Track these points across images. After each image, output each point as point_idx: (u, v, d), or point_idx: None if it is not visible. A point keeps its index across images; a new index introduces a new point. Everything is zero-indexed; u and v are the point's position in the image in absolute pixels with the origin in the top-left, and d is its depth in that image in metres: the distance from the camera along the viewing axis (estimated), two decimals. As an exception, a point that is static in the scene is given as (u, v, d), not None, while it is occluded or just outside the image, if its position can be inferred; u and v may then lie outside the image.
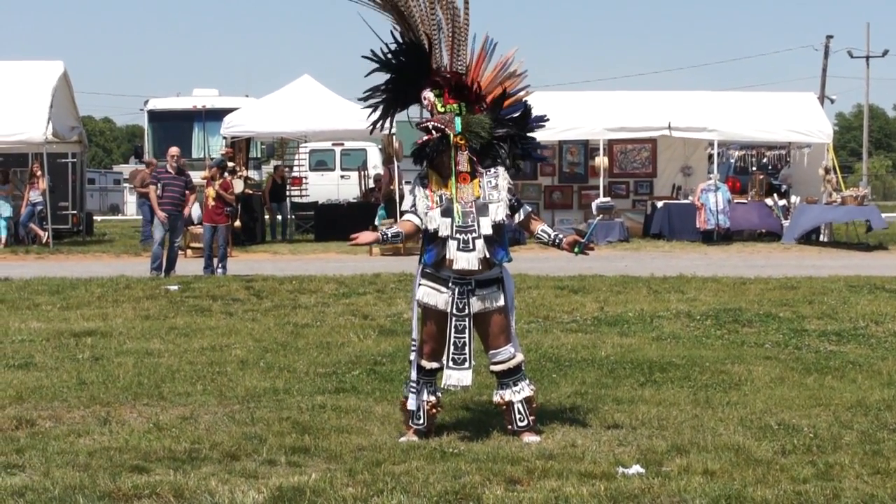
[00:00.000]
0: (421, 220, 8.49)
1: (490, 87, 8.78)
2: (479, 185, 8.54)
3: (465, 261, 8.36)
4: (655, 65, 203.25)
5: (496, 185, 8.60)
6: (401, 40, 8.65)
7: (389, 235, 8.58)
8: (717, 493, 6.81)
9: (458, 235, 8.39)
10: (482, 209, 8.48)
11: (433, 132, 8.43)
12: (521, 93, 8.91)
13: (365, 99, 8.88)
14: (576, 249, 8.68)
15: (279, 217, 34.79)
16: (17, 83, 31.19)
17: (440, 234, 8.40)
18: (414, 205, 8.54)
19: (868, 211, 30.66)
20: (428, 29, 8.64)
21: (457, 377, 8.50)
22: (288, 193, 35.66)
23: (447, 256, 8.37)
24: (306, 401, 9.73)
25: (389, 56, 8.65)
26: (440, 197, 8.46)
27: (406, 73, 8.67)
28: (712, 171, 32.84)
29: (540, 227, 8.83)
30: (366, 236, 8.59)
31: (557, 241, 8.73)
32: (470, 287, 8.47)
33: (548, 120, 9.01)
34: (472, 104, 8.69)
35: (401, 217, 8.70)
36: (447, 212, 8.42)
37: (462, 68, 8.71)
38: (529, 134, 8.86)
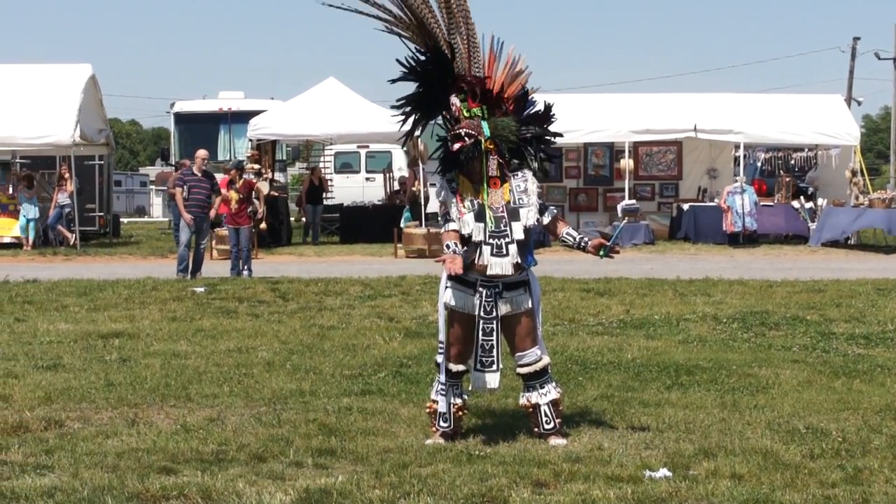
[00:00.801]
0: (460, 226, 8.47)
1: (506, 88, 8.77)
2: (509, 190, 8.54)
3: (500, 266, 8.35)
4: (681, 67, 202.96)
5: (525, 189, 8.59)
6: (423, 49, 8.64)
7: (462, 251, 8.49)
8: (745, 497, 6.79)
9: (491, 240, 8.38)
10: (513, 213, 8.47)
11: (466, 139, 8.39)
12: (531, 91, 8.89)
13: (397, 107, 8.86)
14: (601, 252, 8.67)
15: (314, 219, 34.29)
16: (46, 86, 31.34)
17: (474, 238, 8.38)
18: (449, 212, 8.51)
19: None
20: (448, 35, 8.63)
21: (484, 380, 8.50)
22: (325, 196, 35.43)
23: (480, 262, 8.33)
24: (332, 403, 9.73)
25: (416, 65, 8.64)
26: (471, 202, 8.45)
27: (433, 80, 8.65)
28: (738, 173, 32.75)
29: (565, 230, 8.81)
30: (458, 263, 8.38)
31: (583, 244, 8.71)
32: (497, 290, 8.46)
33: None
34: (493, 107, 8.68)
35: (444, 227, 8.56)
36: (480, 217, 8.41)
37: (480, 72, 8.71)
38: (553, 130, 8.83)
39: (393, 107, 8.95)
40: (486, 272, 8.33)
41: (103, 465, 7.60)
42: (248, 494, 6.88)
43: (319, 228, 34.10)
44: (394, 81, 8.78)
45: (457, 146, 8.40)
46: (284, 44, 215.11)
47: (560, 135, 8.94)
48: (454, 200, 8.49)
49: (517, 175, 8.63)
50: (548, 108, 8.81)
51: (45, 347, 12.92)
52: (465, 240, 8.40)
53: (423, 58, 8.64)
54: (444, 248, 8.40)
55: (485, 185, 8.47)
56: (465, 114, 8.56)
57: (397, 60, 8.67)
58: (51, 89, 31.16)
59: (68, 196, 31.14)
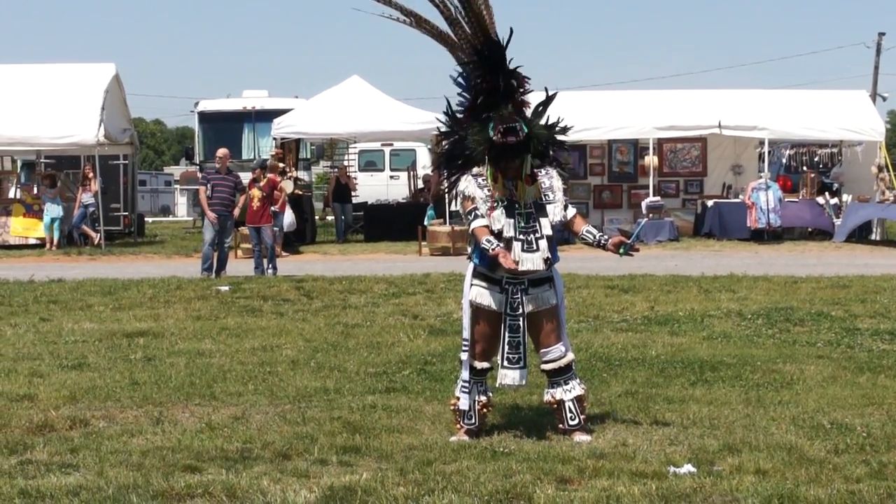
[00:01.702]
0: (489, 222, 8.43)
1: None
2: (539, 187, 8.54)
3: (531, 262, 8.34)
4: (706, 63, 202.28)
5: (551, 186, 8.59)
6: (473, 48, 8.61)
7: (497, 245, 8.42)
8: (770, 493, 6.77)
9: (521, 237, 8.37)
10: (540, 210, 8.47)
11: (519, 133, 8.37)
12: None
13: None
14: (621, 250, 8.64)
15: (343, 218, 34.11)
16: (70, 86, 31.46)
17: (504, 234, 8.36)
18: (477, 208, 8.47)
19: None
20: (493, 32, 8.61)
21: (512, 376, 8.50)
22: (354, 194, 35.29)
23: (512, 259, 8.30)
24: (357, 400, 9.75)
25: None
26: (500, 198, 8.42)
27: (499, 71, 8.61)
28: (763, 169, 32.67)
29: (585, 228, 8.78)
30: (510, 257, 8.31)
31: (603, 241, 8.68)
32: (523, 286, 8.46)
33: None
34: (516, 106, 8.65)
35: (471, 221, 8.47)
36: (510, 213, 8.40)
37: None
38: (561, 138, 8.80)
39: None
40: (518, 268, 8.31)
41: (128, 464, 7.62)
42: (272, 492, 6.89)
43: (346, 227, 33.97)
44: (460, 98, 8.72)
45: (511, 139, 8.36)
46: (308, 42, 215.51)
47: (565, 147, 8.90)
48: (483, 196, 8.47)
49: (542, 172, 8.62)
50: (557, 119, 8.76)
51: (70, 347, 12.98)
52: (495, 236, 8.37)
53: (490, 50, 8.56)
54: (484, 242, 8.30)
55: (522, 182, 8.46)
56: (505, 110, 8.51)
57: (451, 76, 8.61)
58: (75, 89, 31.27)
59: (92, 196, 31.25)
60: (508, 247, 8.32)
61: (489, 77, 8.50)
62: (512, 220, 8.38)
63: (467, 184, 8.54)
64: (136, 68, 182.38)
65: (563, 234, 8.97)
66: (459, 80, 8.72)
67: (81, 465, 7.64)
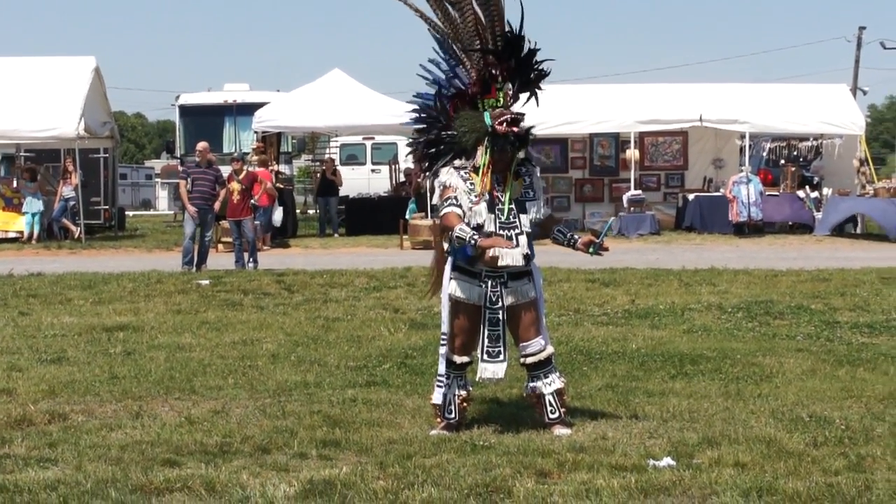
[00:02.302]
0: (464, 213, 8.41)
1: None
2: (522, 183, 8.55)
3: (511, 257, 8.33)
4: (687, 57, 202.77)
5: (531, 184, 8.60)
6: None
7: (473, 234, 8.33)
8: (749, 486, 6.79)
9: (501, 232, 8.37)
10: (520, 206, 8.47)
11: (522, 124, 8.42)
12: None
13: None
14: (591, 250, 8.66)
15: (327, 212, 33.73)
16: (50, 79, 31.36)
17: (486, 228, 8.35)
18: (456, 198, 8.45)
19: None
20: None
21: (492, 370, 8.50)
22: (340, 187, 34.70)
23: (491, 253, 8.31)
24: (337, 394, 9.74)
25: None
26: (482, 192, 8.41)
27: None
28: (744, 163, 32.73)
29: (556, 227, 8.80)
30: (500, 241, 8.31)
31: (573, 241, 8.69)
32: (502, 280, 8.46)
33: None
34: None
35: (444, 208, 8.42)
36: (491, 207, 8.39)
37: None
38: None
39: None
40: (498, 263, 8.31)
41: (107, 458, 7.60)
42: (252, 486, 6.88)
43: (334, 221, 33.66)
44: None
45: (516, 130, 8.38)
46: (290, 36, 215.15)
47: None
48: (465, 188, 8.43)
49: (522, 169, 8.63)
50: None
51: (50, 341, 12.93)
52: (476, 230, 8.35)
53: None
54: (458, 231, 8.20)
55: (510, 176, 8.47)
56: (500, 102, 8.52)
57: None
58: (55, 82, 31.18)
59: (73, 189, 31.16)
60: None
61: (505, 62, 8.50)
62: (493, 216, 8.38)
63: (450, 175, 8.52)
64: (116, 61, 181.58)
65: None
66: (441, 69, 8.71)
67: (60, 459, 7.62)
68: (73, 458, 7.60)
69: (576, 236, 8.74)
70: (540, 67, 8.62)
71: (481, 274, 8.44)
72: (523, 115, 8.48)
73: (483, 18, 8.52)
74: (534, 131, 8.75)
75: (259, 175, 25.39)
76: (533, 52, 8.55)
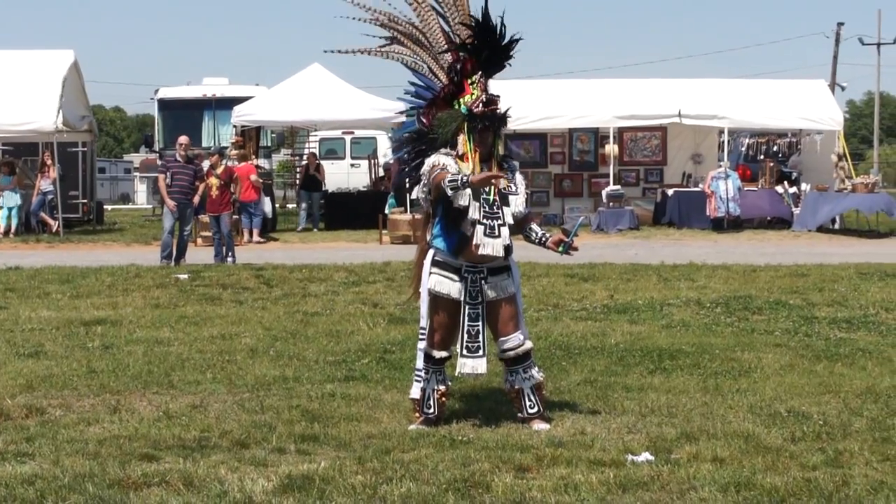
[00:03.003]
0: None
1: None
2: (506, 177, 8.58)
3: (491, 247, 8.34)
4: (666, 52, 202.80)
5: (514, 179, 8.62)
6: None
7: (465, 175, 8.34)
8: (727, 481, 6.81)
9: (485, 220, 8.37)
10: (504, 199, 8.49)
11: (499, 103, 8.51)
12: None
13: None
14: (560, 248, 8.71)
15: (310, 206, 33.21)
16: (28, 72, 31.19)
17: (470, 215, 8.34)
18: (446, 167, 8.43)
19: (884, 199, 30.62)
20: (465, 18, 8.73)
21: (472, 365, 8.51)
22: (324, 184, 34.18)
23: (473, 241, 8.32)
24: (316, 389, 9.73)
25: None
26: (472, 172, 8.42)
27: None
28: (722, 158, 32.80)
29: (528, 225, 8.81)
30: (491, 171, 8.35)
31: (544, 239, 8.74)
32: (482, 275, 8.47)
33: None
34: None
35: (432, 174, 8.44)
36: (477, 195, 8.39)
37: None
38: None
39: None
40: (478, 251, 8.32)
41: (84, 453, 7.58)
42: (230, 481, 6.87)
43: (315, 216, 33.31)
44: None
45: (492, 108, 8.44)
46: (269, 30, 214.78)
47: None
48: (454, 169, 8.41)
49: (506, 165, 8.66)
50: None
51: (27, 335, 12.88)
52: (460, 214, 8.37)
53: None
54: (449, 179, 8.24)
55: (495, 164, 8.49)
56: (475, 94, 8.56)
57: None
58: (33, 76, 31.01)
59: (51, 183, 31.00)
60: (472, 228, 8.33)
61: (475, 54, 8.56)
62: (478, 204, 8.38)
63: (438, 156, 8.52)
64: (95, 55, 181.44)
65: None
66: (418, 86, 8.91)
67: (37, 453, 7.59)
68: (50, 453, 7.58)
69: (547, 234, 8.77)
70: (511, 50, 8.69)
71: (461, 269, 8.45)
72: (498, 96, 8.55)
73: (446, 20, 8.70)
74: (514, 127, 8.81)
75: (236, 171, 25.33)
76: (508, 41, 8.60)
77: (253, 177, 28.26)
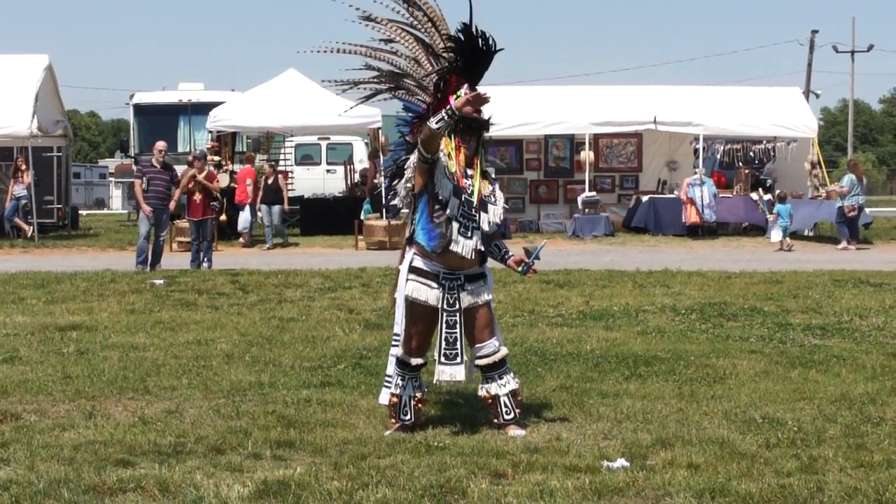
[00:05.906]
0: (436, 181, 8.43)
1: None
2: (488, 186, 8.61)
3: (463, 246, 8.37)
4: (641, 60, 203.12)
5: (494, 191, 8.69)
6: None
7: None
8: (702, 487, 6.83)
9: (461, 219, 8.39)
10: (483, 206, 8.52)
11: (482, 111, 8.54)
12: None
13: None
14: (520, 269, 8.80)
15: (271, 221, 30.33)
16: (2, 77, 31.03)
17: (449, 209, 8.36)
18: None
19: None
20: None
21: (450, 372, 8.52)
22: (291, 188, 32.75)
23: (448, 237, 8.34)
24: (291, 395, 9.73)
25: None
26: (451, 176, 8.42)
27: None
28: (698, 165, 32.90)
29: (495, 242, 8.84)
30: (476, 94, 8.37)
31: (506, 257, 8.81)
32: (459, 282, 8.49)
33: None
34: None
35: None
36: (457, 193, 8.41)
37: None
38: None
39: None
40: (450, 247, 8.33)
41: (60, 458, 7.57)
42: (205, 486, 6.86)
43: (281, 230, 30.95)
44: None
45: (477, 114, 8.50)
46: (245, 35, 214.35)
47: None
48: (443, 159, 8.45)
49: (490, 175, 8.73)
50: None
51: (2, 340, 12.84)
52: (439, 204, 8.40)
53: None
54: (435, 119, 8.28)
55: (479, 165, 8.57)
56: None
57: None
58: (7, 80, 30.88)
59: (25, 188, 30.90)
60: (448, 224, 8.34)
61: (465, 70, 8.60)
62: (457, 202, 8.39)
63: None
64: (70, 60, 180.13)
65: (503, 230, 9.05)
66: (407, 113, 9.05)
67: (12, 459, 7.58)
68: (25, 458, 7.56)
69: (510, 252, 8.82)
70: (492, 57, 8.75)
71: (439, 275, 8.47)
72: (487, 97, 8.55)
73: (428, 46, 8.79)
74: (489, 133, 8.84)
75: (237, 174, 25.33)
76: (492, 52, 8.64)
77: (249, 181, 28.13)
